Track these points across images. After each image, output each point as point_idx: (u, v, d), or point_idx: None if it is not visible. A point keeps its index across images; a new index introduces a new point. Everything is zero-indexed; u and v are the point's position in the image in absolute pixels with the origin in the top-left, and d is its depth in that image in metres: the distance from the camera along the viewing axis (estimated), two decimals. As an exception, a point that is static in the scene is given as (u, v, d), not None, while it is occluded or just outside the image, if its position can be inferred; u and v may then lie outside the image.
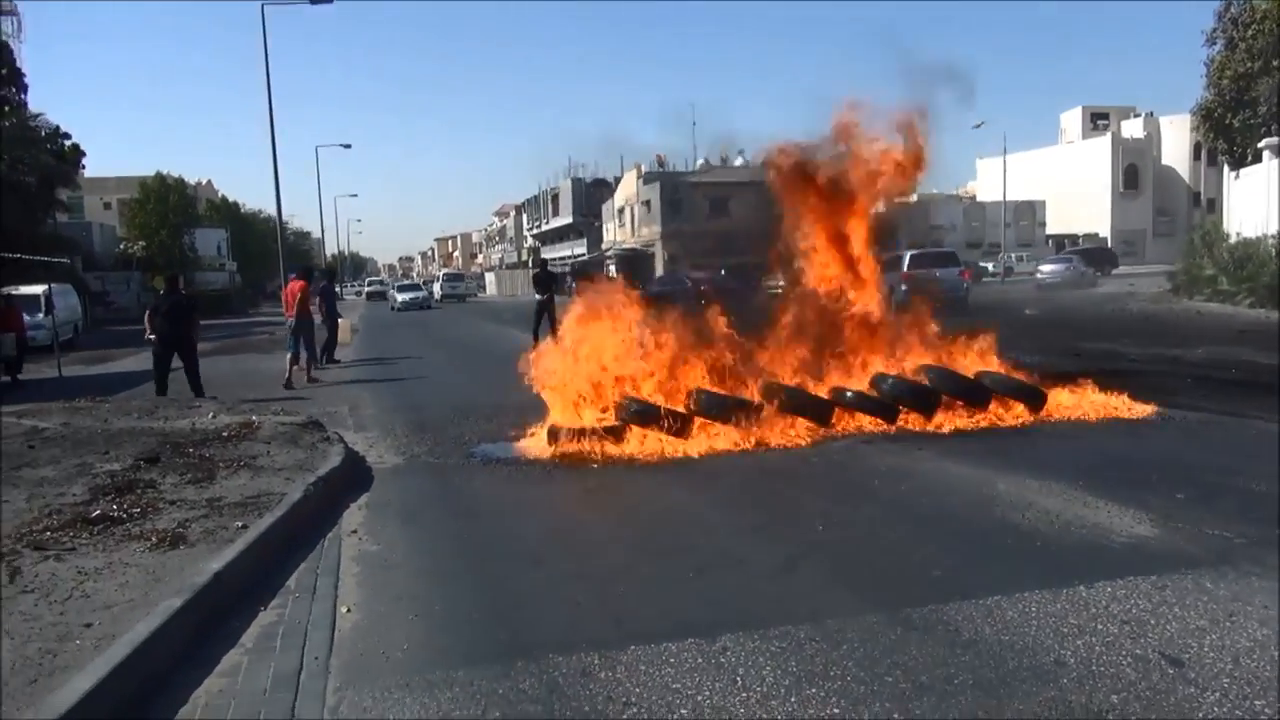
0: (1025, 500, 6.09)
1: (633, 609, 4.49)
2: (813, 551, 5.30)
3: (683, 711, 3.40)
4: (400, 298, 50.21)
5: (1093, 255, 48.53)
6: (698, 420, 8.51)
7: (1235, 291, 24.34)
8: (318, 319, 17.46)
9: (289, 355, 15.37)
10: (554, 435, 8.17)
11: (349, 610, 4.61)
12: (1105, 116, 74.91)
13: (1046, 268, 42.22)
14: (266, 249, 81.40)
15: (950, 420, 8.90)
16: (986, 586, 4.48)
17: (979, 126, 62.77)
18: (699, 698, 3.49)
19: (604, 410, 8.68)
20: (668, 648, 3.95)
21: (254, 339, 29.89)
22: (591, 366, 8.69)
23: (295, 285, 16.63)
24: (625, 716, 3.38)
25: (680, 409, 8.56)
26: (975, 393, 9.21)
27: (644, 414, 8.43)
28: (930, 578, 4.70)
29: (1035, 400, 9.24)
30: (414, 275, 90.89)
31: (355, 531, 6.03)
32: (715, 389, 8.81)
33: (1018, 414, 9.07)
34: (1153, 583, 4.45)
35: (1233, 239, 26.68)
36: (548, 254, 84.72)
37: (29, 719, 3.03)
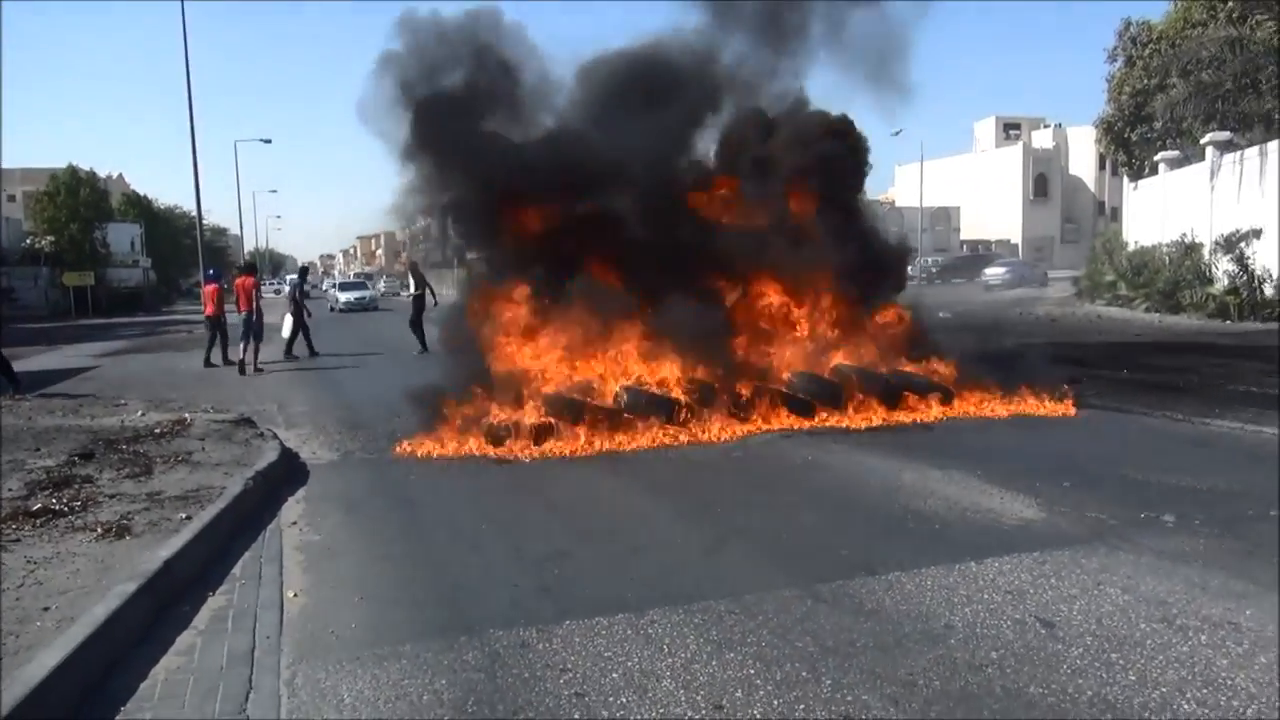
0: (928, 489, 6.60)
1: (567, 588, 4.83)
2: (734, 535, 5.71)
3: (614, 675, 3.75)
4: (343, 297, 43.75)
5: (966, 261, 51.17)
6: (624, 415, 8.89)
7: (1133, 297, 25.74)
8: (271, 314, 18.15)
9: (243, 345, 16.66)
10: (492, 432, 8.44)
11: (295, 595, 4.84)
12: (1017, 126, 77.70)
13: (991, 271, 44.51)
14: (180, 245, 79.38)
15: (864, 416, 9.43)
16: (888, 564, 4.94)
17: (897, 134, 64.49)
18: (628, 664, 3.85)
19: (536, 407, 9.00)
20: (600, 621, 4.29)
21: (171, 337, 29.27)
22: (524, 364, 9.01)
23: (246, 280, 17.87)
24: (561, 681, 3.71)
25: (608, 405, 8.94)
26: (886, 390, 9.76)
27: (574, 410, 8.78)
28: (839, 557, 5.14)
29: (944, 397, 9.85)
30: (335, 274, 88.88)
31: (295, 523, 6.24)
32: (642, 386, 9.21)
33: (927, 410, 9.65)
34: (1035, 558, 4.96)
35: (1131, 247, 28.15)
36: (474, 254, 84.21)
37: (6, 684, 3.23)
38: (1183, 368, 12.92)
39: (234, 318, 18.19)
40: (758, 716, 3.36)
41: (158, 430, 8.64)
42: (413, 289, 20.43)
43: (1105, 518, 5.70)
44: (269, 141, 67.65)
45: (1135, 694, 3.41)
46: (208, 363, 17.86)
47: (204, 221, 34.87)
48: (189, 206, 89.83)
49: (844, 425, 9.18)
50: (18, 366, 20.13)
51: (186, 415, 9.41)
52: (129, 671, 3.85)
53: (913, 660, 3.78)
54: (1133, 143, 32.93)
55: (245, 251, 78.08)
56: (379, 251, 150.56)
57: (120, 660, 3.92)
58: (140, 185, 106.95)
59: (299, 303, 19.78)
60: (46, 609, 4.16)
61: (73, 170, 55.24)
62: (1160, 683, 3.49)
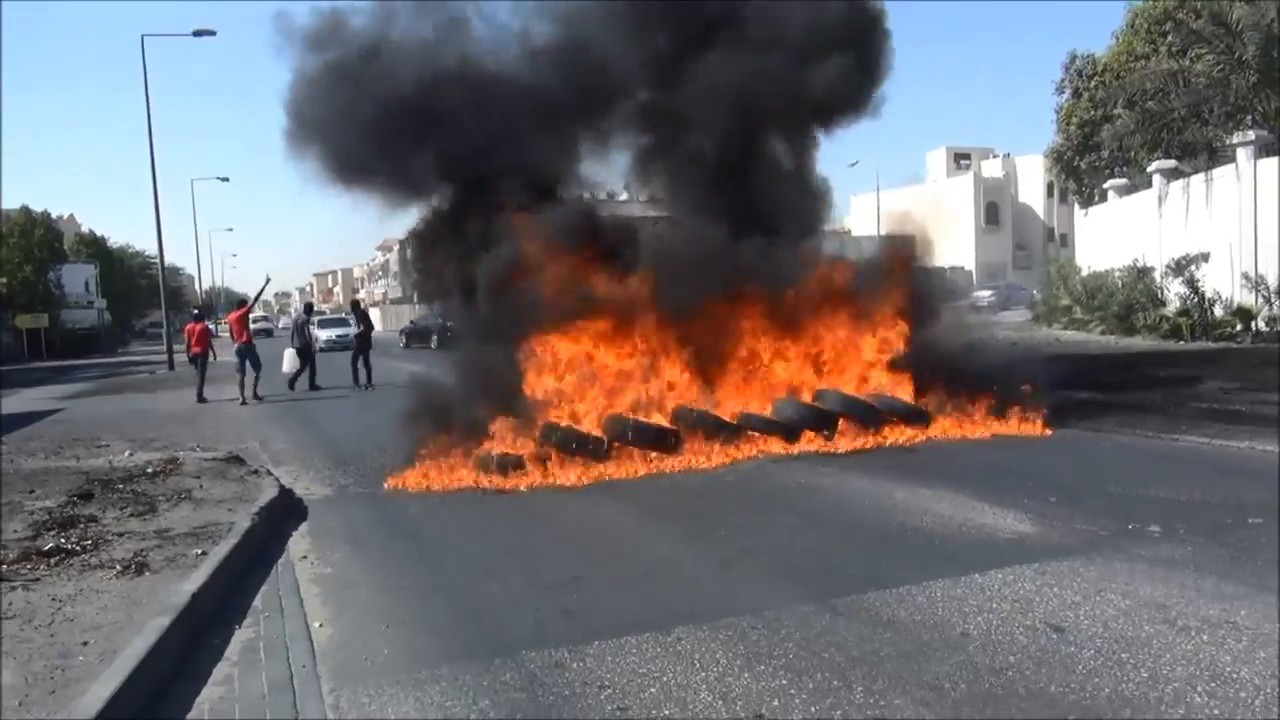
0: (921, 506, 6.83)
1: (588, 610, 4.95)
2: (741, 556, 5.87)
3: (652, 690, 3.88)
4: (323, 335, 38.03)
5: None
6: (616, 445, 9.04)
7: (1088, 320, 26.47)
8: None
9: (241, 377, 17.81)
10: (484, 463, 8.54)
11: (321, 625, 4.91)
12: (967, 156, 79.51)
13: (980, 294, 46.38)
14: (135, 286, 78.23)
15: (846, 440, 9.66)
16: (897, 578, 5.13)
17: (854, 165, 65.70)
18: (664, 679, 3.99)
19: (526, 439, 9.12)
20: (628, 640, 4.43)
21: (134, 378, 28.85)
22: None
23: (234, 315, 19.19)
24: (603, 697, 3.84)
25: (599, 434, 9.08)
26: (867, 414, 10.02)
27: (565, 440, 8.91)
28: (848, 574, 5.33)
29: (920, 420, 10.13)
30: (292, 312, 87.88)
31: (305, 556, 6.29)
32: (628, 415, 9.37)
33: (906, 433, 9.92)
34: (1035, 569, 5.18)
35: (1084, 272, 28.96)
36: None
37: (64, 716, 3.29)
38: (1148, 387, 13.37)
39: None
40: (798, 722, 3.51)
41: (150, 469, 8.63)
42: (354, 327, 20.80)
43: (1095, 529, 5.95)
44: (226, 179, 66.90)
45: (1150, 690, 3.62)
46: (200, 398, 18.26)
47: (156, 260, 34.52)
48: (141, 245, 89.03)
49: (829, 449, 9.40)
50: (-18, 411, 19.86)
51: (178, 454, 9.39)
52: (174, 702, 3.91)
53: (936, 666, 3.96)
54: (1082, 171, 33.96)
55: (200, 291, 77.28)
56: (335, 289, 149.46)
57: (163, 691, 3.97)
58: (92, 225, 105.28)
59: (308, 339, 20.13)
60: (85, 643, 4.20)
61: (26, 211, 54.38)
62: (1171, 679, 3.70)
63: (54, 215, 60.71)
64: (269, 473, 8.74)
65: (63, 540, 5.96)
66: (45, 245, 54.59)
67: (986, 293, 46.71)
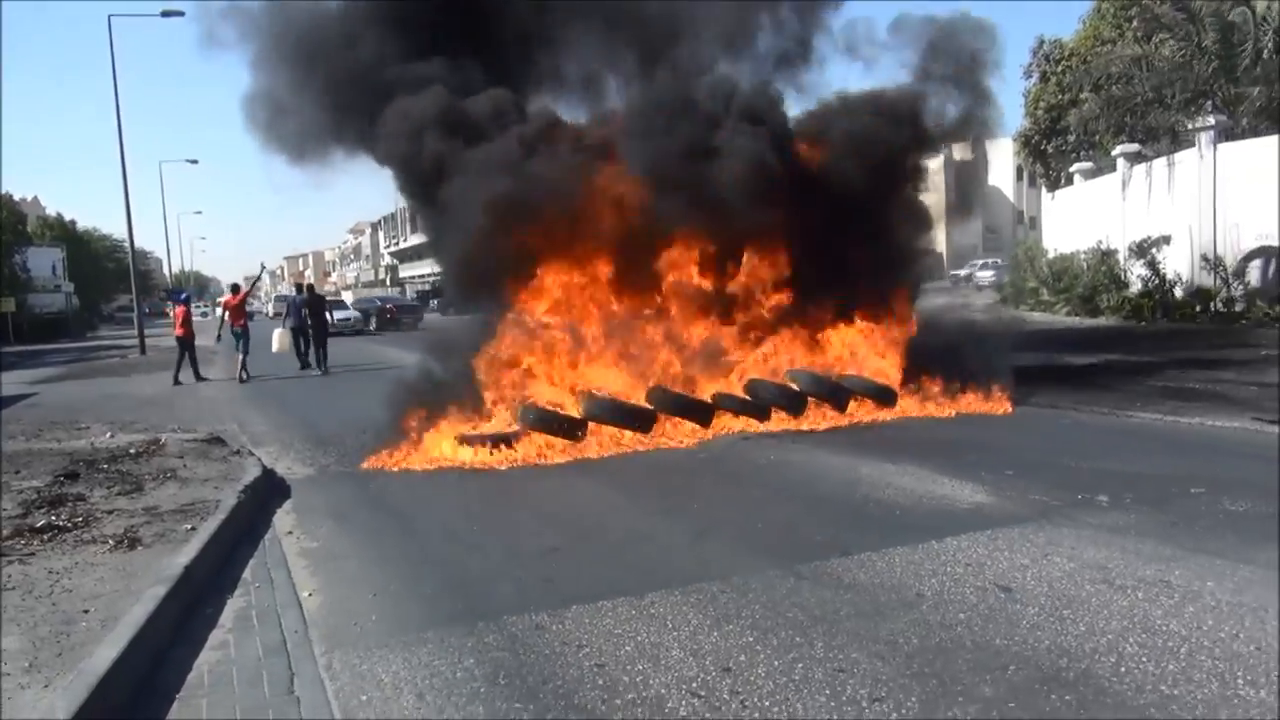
0: (885, 480, 7.13)
1: (567, 578, 5.20)
2: (712, 527, 6.14)
3: (627, 648, 4.14)
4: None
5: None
6: (590, 424, 9.28)
7: (1054, 301, 27.00)
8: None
9: (241, 357, 18.58)
10: (466, 441, 8.75)
11: (310, 594, 5.13)
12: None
13: (981, 274, 47.37)
14: (102, 269, 77.29)
15: (816, 418, 9.97)
16: (859, 546, 5.42)
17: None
18: (638, 638, 4.25)
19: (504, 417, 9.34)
20: (604, 605, 4.68)
21: (104, 362, 28.65)
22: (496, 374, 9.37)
23: (233, 298, 20.05)
24: (581, 655, 4.09)
25: (574, 415, 9.31)
26: (836, 393, 10.32)
27: (542, 420, 9.13)
28: (813, 542, 5.61)
29: (888, 399, 10.45)
30: (262, 295, 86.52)
31: (291, 532, 6.49)
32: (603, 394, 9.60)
33: (874, 411, 10.24)
34: (989, 535, 5.49)
35: (1050, 254, 29.48)
36: (407, 271, 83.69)
37: (75, 674, 3.50)
38: (1106, 366, 13.79)
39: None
40: (762, 674, 3.78)
41: (133, 450, 8.76)
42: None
43: (1047, 499, 6.28)
44: (195, 162, 66.21)
45: (1085, 641, 3.92)
46: (177, 380, 18.42)
47: (125, 244, 34.27)
48: (108, 229, 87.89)
49: (799, 427, 9.70)
50: (-48, 395, 19.74)
51: (160, 436, 9.52)
52: (173, 667, 4.12)
53: (891, 624, 4.25)
54: (1049, 155, 34.46)
55: (169, 274, 76.52)
56: (307, 271, 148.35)
57: (163, 656, 4.18)
58: (57, 208, 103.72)
59: (304, 319, 20.22)
60: (86, 611, 4.40)
61: (-12, 194, 53.61)
62: (1106, 631, 4.01)
63: (16, 198, 59.94)
64: (251, 453, 8.91)
65: (54, 518, 6.13)
66: (9, 228, 53.84)
67: (988, 272, 46.92)
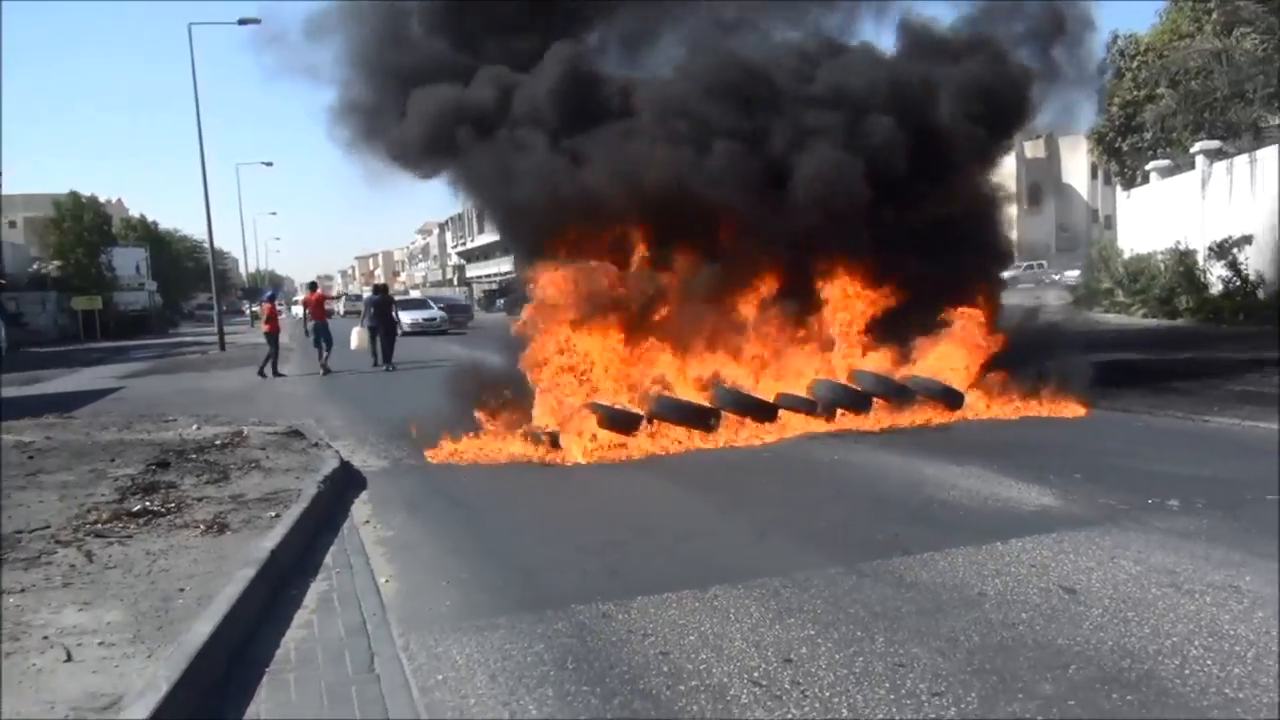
0: (949, 481, 7.13)
1: (631, 570, 5.35)
2: (775, 524, 6.23)
3: (691, 638, 4.26)
4: (407, 319, 33.76)
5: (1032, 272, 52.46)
6: (655, 422, 9.42)
7: (1130, 303, 26.35)
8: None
9: (318, 351, 20.10)
10: (533, 438, 8.97)
11: (387, 580, 5.36)
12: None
13: (1069, 273, 45.93)
14: (182, 268, 79.93)
15: (881, 418, 9.96)
16: (922, 545, 5.46)
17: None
18: (702, 629, 4.37)
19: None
20: (668, 596, 4.81)
21: (186, 358, 29.71)
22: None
23: (313, 296, 21.97)
24: (646, 643, 4.23)
25: (641, 412, 9.46)
26: (901, 394, 10.30)
27: (611, 418, 9.30)
28: (875, 541, 5.66)
29: (955, 401, 10.39)
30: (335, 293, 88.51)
31: (368, 521, 6.75)
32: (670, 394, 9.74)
33: (940, 412, 10.19)
34: (1054, 538, 5.49)
35: (1126, 255, 28.77)
36: (474, 271, 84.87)
37: (176, 646, 3.75)
38: (1184, 370, 13.47)
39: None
40: (823, 666, 3.87)
41: (218, 442, 9.16)
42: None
43: (1115, 503, 6.23)
44: (270, 164, 67.81)
45: (1150, 643, 3.93)
46: (261, 373, 19.40)
47: (205, 245, 35.45)
48: (189, 230, 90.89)
49: (863, 428, 9.71)
50: (39, 390, 20.74)
51: (243, 429, 9.92)
52: (263, 641, 4.37)
53: (953, 621, 4.30)
54: (1124, 152, 33.58)
55: (244, 274, 78.88)
56: (377, 271, 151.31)
57: (252, 634, 4.43)
58: (138, 209, 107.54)
59: (378, 318, 20.82)
60: (182, 589, 4.68)
61: (76, 196, 55.82)
62: (1171, 634, 4.01)
63: (102, 200, 62.29)
64: (329, 445, 9.25)
65: (148, 503, 6.47)
66: (96, 229, 56.04)
67: (1074, 273, 45.89)
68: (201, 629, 4.00)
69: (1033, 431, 9.36)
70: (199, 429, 10.24)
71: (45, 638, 4.01)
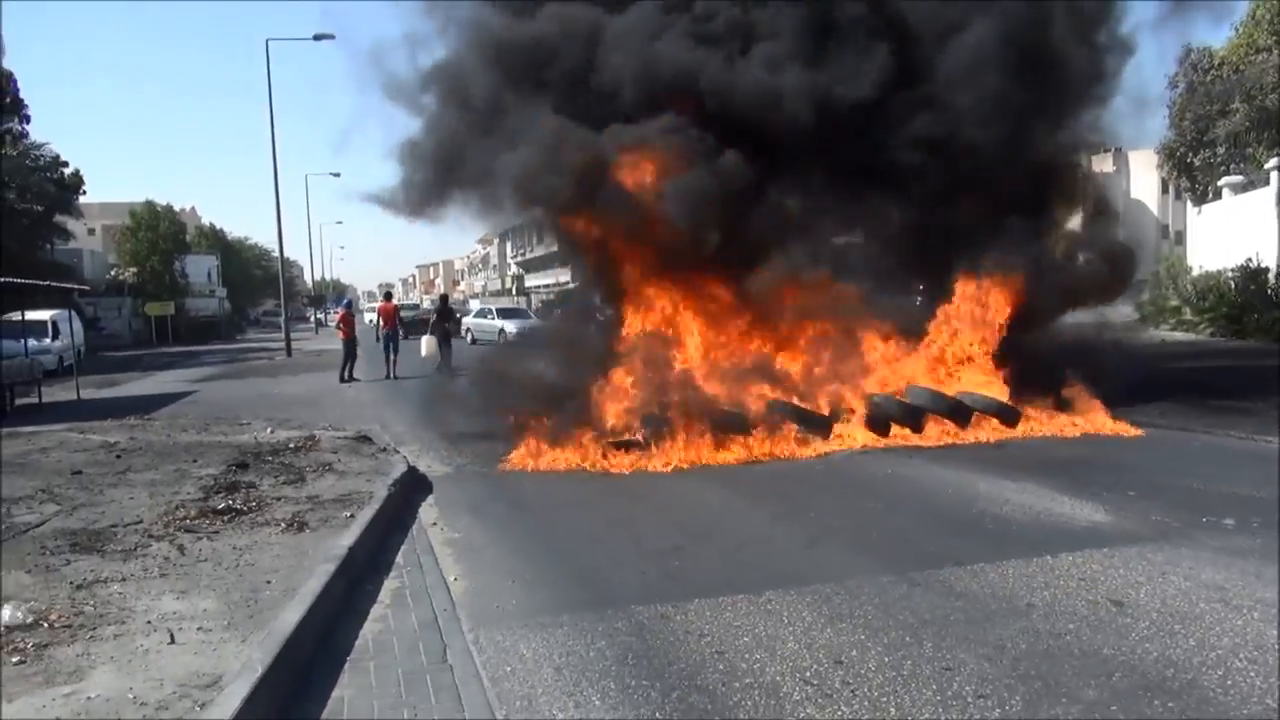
0: (1003, 497, 7.22)
1: (688, 574, 5.56)
2: (827, 534, 6.40)
3: (745, 639, 4.46)
4: (511, 327, 33.02)
5: None
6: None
7: (1198, 321, 25.79)
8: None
9: (388, 357, 20.83)
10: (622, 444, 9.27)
11: (456, 579, 5.64)
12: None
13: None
14: (250, 276, 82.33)
15: (936, 434, 10.03)
16: (972, 557, 5.59)
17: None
18: (756, 631, 4.56)
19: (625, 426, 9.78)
20: (724, 600, 5.01)
21: (256, 364, 30.61)
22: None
23: (388, 306, 22.62)
24: (703, 643, 4.44)
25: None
26: (956, 410, 10.35)
27: (663, 428, 9.53)
28: (927, 552, 5.80)
29: (1011, 418, 10.41)
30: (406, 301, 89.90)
31: (435, 523, 7.07)
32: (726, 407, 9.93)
33: (995, 429, 10.23)
34: (1105, 553, 5.57)
35: (1195, 272, 28.19)
36: (532, 281, 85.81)
37: (267, 632, 4.06)
38: (1246, 389, 13.25)
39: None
40: (872, 668, 4.05)
41: (292, 445, 9.59)
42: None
43: (1169, 521, 6.28)
44: (338, 175, 69.58)
45: (1194, 655, 4.03)
46: (342, 379, 20.17)
47: (273, 253, 36.59)
48: (258, 238, 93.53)
49: (919, 442, 9.79)
50: (117, 393, 21.63)
51: (315, 433, 10.35)
52: (343, 632, 4.67)
53: (1000, 629, 4.44)
54: (1195, 168, 32.92)
55: (310, 282, 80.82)
56: (438, 280, 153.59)
57: (333, 624, 4.74)
58: (210, 217, 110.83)
59: (444, 326, 21.58)
60: (268, 582, 5.01)
61: (151, 205, 57.83)
62: (1216, 647, 4.10)
63: (177, 208, 64.50)
64: (396, 451, 9.61)
65: (231, 501, 6.86)
66: (170, 237, 58.00)
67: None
68: (289, 617, 4.31)
69: (1089, 449, 9.35)
70: (273, 433, 10.69)
71: (149, 622, 4.36)
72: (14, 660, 3.84)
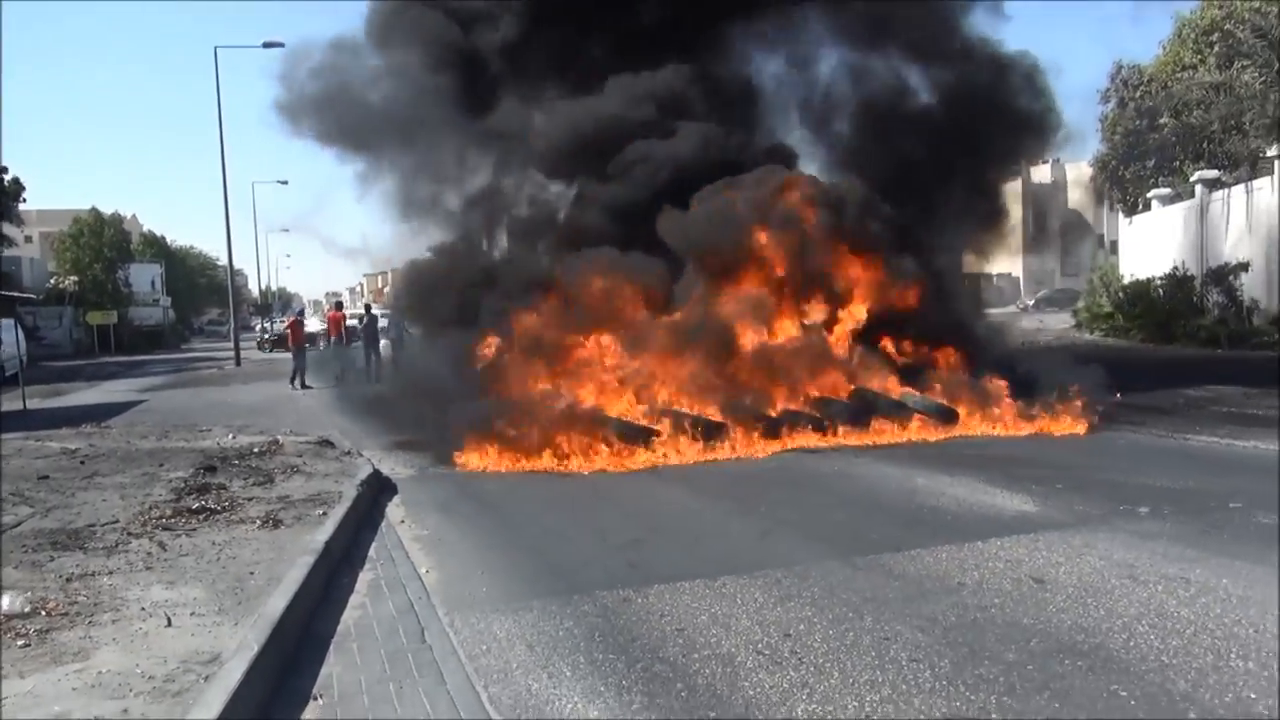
0: (940, 490, 7.71)
1: (649, 564, 5.93)
2: (778, 526, 6.82)
3: (702, 618, 4.85)
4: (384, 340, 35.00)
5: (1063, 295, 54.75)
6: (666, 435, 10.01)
7: (1129, 327, 26.89)
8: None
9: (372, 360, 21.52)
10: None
11: (428, 571, 5.95)
12: (1015, 162, 79.24)
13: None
14: (195, 285, 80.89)
15: (879, 434, 10.54)
16: (910, 544, 6.04)
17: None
18: (712, 610, 4.95)
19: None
20: (681, 585, 5.39)
21: (204, 373, 30.36)
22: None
23: (336, 314, 24.30)
24: (663, 621, 4.81)
25: (654, 427, 10.06)
26: (898, 411, 10.88)
27: (626, 432, 9.90)
28: (869, 540, 6.24)
29: (949, 418, 10.96)
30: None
31: (403, 521, 7.36)
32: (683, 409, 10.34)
33: (935, 429, 10.76)
34: (1030, 538, 6.06)
35: (1126, 280, 29.35)
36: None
37: (258, 616, 4.35)
38: (1171, 392, 14.02)
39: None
40: (818, 640, 4.45)
41: (257, 450, 9.77)
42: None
43: (1090, 509, 6.81)
44: (285, 183, 68.88)
45: (1103, 622, 4.51)
46: (293, 386, 20.62)
47: (218, 261, 36.34)
48: (202, 246, 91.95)
49: (864, 443, 10.29)
50: (64, 402, 21.40)
51: (278, 438, 10.54)
52: (326, 618, 4.97)
53: (933, 605, 4.88)
54: (1126, 180, 34.23)
55: (256, 291, 79.85)
56: (385, 289, 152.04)
57: (316, 610, 5.02)
58: (151, 225, 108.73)
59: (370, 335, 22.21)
60: (251, 572, 5.28)
61: (98, 213, 56.81)
62: (1123, 615, 4.58)
63: (110, 214, 63.28)
64: (360, 454, 9.86)
65: (204, 502, 7.08)
66: (115, 245, 57.00)
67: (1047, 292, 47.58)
68: (277, 603, 4.60)
69: (1022, 447, 9.92)
70: (234, 438, 10.86)
71: (143, 609, 4.61)
72: (19, 644, 4.07)
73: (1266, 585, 4.92)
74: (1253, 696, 3.65)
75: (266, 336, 44.45)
